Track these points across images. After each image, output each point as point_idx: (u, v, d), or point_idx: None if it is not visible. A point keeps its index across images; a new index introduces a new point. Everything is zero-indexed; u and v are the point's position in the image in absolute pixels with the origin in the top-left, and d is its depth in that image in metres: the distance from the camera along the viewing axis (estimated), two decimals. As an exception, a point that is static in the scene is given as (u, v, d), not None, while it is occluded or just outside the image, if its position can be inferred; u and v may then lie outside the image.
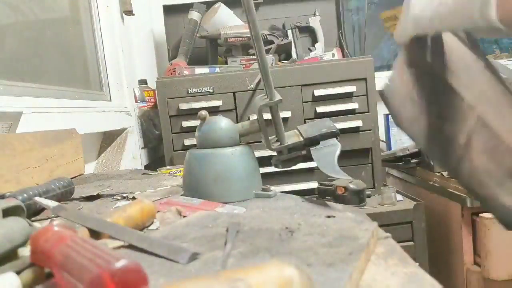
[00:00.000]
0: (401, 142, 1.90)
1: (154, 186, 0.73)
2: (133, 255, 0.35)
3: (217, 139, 0.59)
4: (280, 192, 0.62)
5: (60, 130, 0.93)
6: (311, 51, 1.92)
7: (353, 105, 1.48)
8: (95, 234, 0.39)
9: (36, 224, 0.44)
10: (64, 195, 0.64)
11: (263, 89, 0.59)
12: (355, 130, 1.47)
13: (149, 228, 0.46)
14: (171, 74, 1.63)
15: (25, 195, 0.54)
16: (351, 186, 1.32)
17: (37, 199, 0.50)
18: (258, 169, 0.62)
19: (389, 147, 1.93)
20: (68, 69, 1.39)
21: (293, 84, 1.48)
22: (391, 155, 1.76)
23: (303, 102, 1.49)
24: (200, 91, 1.47)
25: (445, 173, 1.49)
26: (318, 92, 1.47)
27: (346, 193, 1.32)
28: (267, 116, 0.57)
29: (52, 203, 0.47)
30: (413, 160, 1.68)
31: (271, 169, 0.63)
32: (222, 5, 1.83)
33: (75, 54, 1.45)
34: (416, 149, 1.63)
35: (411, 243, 1.47)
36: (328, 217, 0.46)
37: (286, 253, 0.33)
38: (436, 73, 0.53)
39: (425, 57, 0.53)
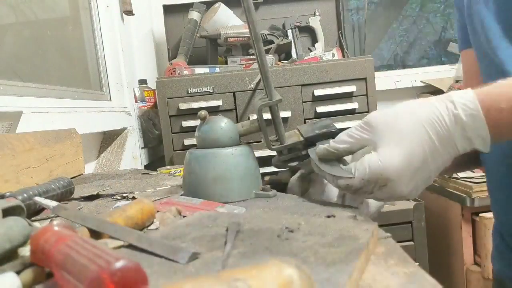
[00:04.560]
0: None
1: (154, 186, 0.73)
2: (133, 255, 0.35)
3: (217, 139, 0.59)
4: (280, 192, 0.62)
5: (60, 130, 0.93)
6: (311, 51, 1.91)
7: (353, 105, 1.48)
8: (95, 234, 0.39)
9: (36, 224, 0.44)
10: (64, 195, 0.64)
11: (263, 89, 0.59)
12: (355, 130, 1.47)
13: (149, 228, 0.46)
14: (171, 74, 1.63)
15: (25, 195, 0.54)
16: (351, 186, 1.32)
17: (37, 199, 0.50)
18: (258, 169, 0.62)
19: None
20: (68, 69, 1.39)
21: (293, 84, 1.48)
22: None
23: (303, 102, 1.49)
24: (200, 91, 1.47)
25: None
26: (318, 92, 1.47)
27: (346, 193, 1.32)
28: (267, 116, 0.57)
29: (52, 203, 0.47)
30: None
31: (271, 169, 0.63)
32: (222, 5, 1.83)
33: (75, 54, 1.45)
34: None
35: (411, 243, 1.47)
36: (328, 217, 0.46)
37: (286, 253, 0.33)
38: None
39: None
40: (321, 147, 0.54)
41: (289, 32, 1.91)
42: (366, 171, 0.47)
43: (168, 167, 1.19)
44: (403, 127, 0.47)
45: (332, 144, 0.53)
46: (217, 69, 1.60)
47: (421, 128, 0.46)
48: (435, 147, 0.46)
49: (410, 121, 0.47)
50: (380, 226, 0.40)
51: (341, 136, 0.52)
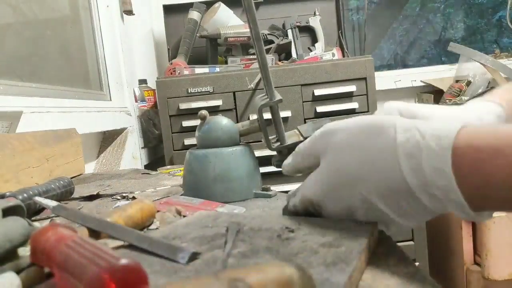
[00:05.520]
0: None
1: (154, 186, 0.73)
2: (133, 255, 0.35)
3: (217, 139, 0.59)
4: (280, 192, 0.62)
5: (60, 130, 0.93)
6: (311, 50, 1.92)
7: (353, 105, 1.48)
8: (95, 234, 0.39)
9: (36, 224, 0.44)
10: (64, 194, 0.64)
11: (263, 89, 0.59)
12: (355, 130, 1.47)
13: (149, 228, 0.46)
14: (171, 73, 1.63)
15: (25, 194, 0.54)
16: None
17: (37, 199, 0.50)
18: (258, 169, 0.62)
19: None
20: (68, 69, 1.38)
21: (293, 83, 1.48)
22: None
23: (303, 102, 1.49)
24: (200, 91, 1.47)
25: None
26: (318, 91, 1.47)
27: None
28: (267, 115, 0.57)
29: (52, 203, 0.47)
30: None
31: (271, 169, 0.63)
32: (222, 4, 1.83)
33: (75, 54, 1.45)
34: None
35: (411, 243, 1.47)
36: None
37: (286, 253, 0.33)
38: None
39: None
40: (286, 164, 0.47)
41: (289, 32, 1.91)
42: (297, 198, 0.44)
43: (168, 167, 1.19)
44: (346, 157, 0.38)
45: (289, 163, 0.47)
46: (217, 69, 1.60)
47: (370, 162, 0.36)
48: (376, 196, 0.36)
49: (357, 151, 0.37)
50: (380, 226, 0.40)
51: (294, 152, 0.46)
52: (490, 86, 1.88)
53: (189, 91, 1.47)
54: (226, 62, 1.75)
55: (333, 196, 0.39)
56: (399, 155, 0.33)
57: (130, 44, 1.80)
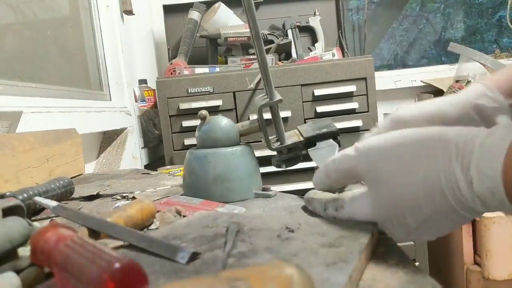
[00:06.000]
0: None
1: (154, 186, 0.73)
2: (133, 255, 0.35)
3: (217, 139, 0.59)
4: (280, 192, 0.62)
5: (60, 130, 0.93)
6: (311, 50, 1.92)
7: (353, 105, 1.48)
8: (95, 234, 0.39)
9: (36, 224, 0.44)
10: (64, 194, 0.64)
11: (263, 89, 0.59)
12: (355, 130, 1.47)
13: (149, 228, 0.46)
14: (171, 73, 1.63)
15: (25, 194, 0.54)
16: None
17: (37, 199, 0.50)
18: (258, 169, 0.62)
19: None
20: (68, 69, 1.38)
21: (293, 83, 1.48)
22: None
23: (303, 102, 1.49)
24: (200, 91, 1.47)
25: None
26: (318, 91, 1.47)
27: (346, 193, 1.32)
28: (267, 116, 0.57)
29: (52, 203, 0.47)
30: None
31: (271, 169, 0.63)
32: (222, 4, 1.83)
33: (75, 54, 1.45)
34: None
35: (411, 243, 1.47)
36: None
37: (286, 253, 0.33)
38: None
39: None
40: (318, 179, 0.46)
41: (289, 32, 1.91)
42: (343, 215, 0.42)
43: (168, 167, 1.19)
44: (397, 182, 0.36)
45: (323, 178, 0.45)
46: (217, 69, 1.60)
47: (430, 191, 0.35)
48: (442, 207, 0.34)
49: (412, 178, 0.35)
50: (380, 226, 0.40)
51: (328, 167, 0.44)
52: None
53: (189, 91, 1.47)
54: (226, 62, 1.75)
55: (392, 222, 0.38)
56: (457, 179, 0.33)
57: (130, 44, 1.80)
